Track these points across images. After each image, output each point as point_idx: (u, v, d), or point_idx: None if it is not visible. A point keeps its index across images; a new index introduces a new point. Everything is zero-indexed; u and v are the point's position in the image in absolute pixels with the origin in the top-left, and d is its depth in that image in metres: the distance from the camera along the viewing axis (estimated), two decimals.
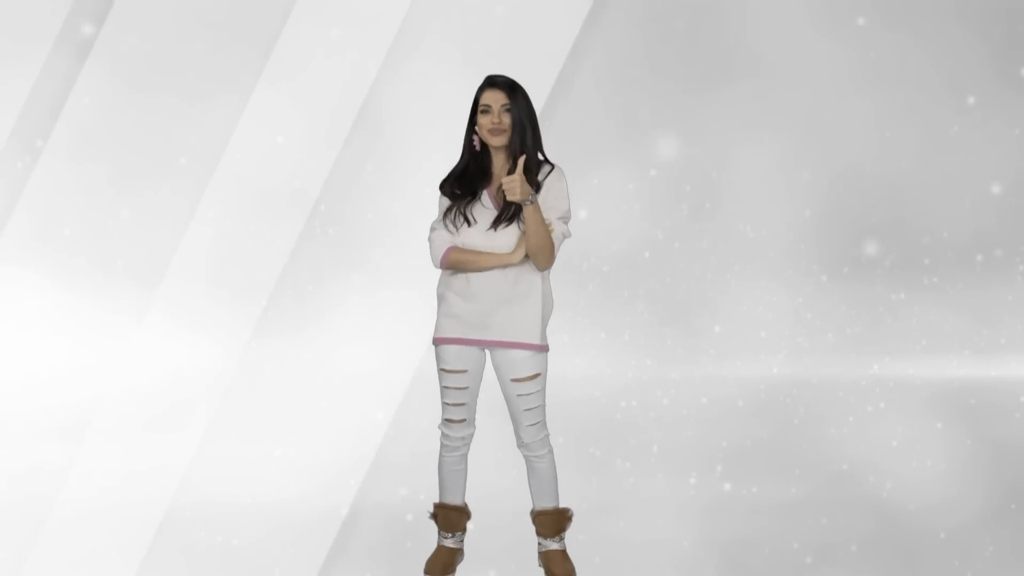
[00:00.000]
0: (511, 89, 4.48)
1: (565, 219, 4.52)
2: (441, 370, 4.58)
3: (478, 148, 4.52)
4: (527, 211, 4.38)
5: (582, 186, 7.88)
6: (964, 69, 8.49)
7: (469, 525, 4.81)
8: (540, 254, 4.44)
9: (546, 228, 4.43)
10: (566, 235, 4.52)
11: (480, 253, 4.48)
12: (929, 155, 8.56)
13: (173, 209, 8.08)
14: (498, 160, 4.54)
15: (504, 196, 4.46)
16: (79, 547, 5.08)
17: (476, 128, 4.50)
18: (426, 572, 4.72)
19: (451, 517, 4.72)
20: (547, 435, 4.63)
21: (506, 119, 4.46)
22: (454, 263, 4.52)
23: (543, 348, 4.54)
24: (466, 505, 4.76)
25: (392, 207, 7.94)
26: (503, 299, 4.50)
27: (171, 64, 8.06)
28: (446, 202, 4.57)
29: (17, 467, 6.10)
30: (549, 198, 4.48)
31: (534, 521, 4.70)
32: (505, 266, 4.48)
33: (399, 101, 8.10)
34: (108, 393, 7.25)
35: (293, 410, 7.15)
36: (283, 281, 8.11)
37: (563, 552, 4.69)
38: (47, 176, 7.99)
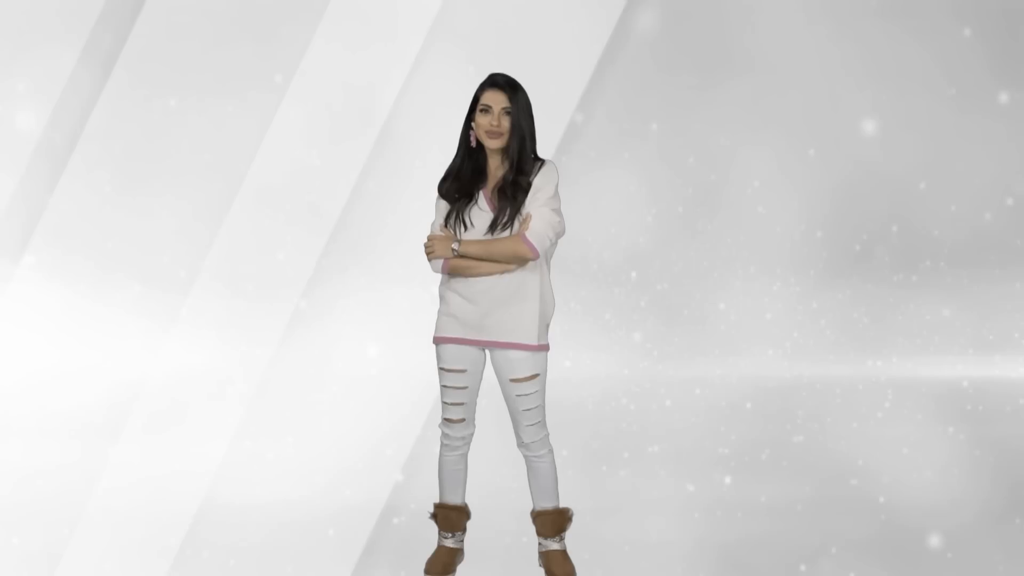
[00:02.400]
0: (513, 91, 4.46)
1: (549, 205, 4.46)
2: (441, 369, 4.59)
3: (474, 145, 4.51)
4: (463, 251, 4.44)
5: (583, 183, 7.87)
6: (966, 66, 8.47)
7: (469, 525, 4.80)
8: (512, 261, 4.45)
9: (492, 243, 4.43)
10: (552, 224, 4.46)
11: (480, 262, 4.48)
12: (933, 152, 8.53)
13: (190, 217, 8.10)
14: (494, 160, 4.52)
15: (499, 198, 4.46)
16: (112, 545, 5.08)
17: (473, 126, 4.49)
18: (426, 572, 4.71)
19: (451, 517, 4.72)
20: (547, 435, 4.62)
21: (505, 122, 4.45)
22: (454, 269, 4.51)
23: (541, 348, 4.53)
24: (466, 505, 4.76)
25: (405, 210, 7.93)
26: (501, 300, 4.49)
27: (189, 72, 8.08)
28: (444, 205, 4.56)
29: (50, 465, 6.12)
30: (539, 195, 4.46)
31: (534, 521, 4.70)
32: (502, 272, 4.48)
33: (406, 104, 8.09)
34: (136, 397, 7.27)
35: (302, 412, 7.15)
36: (294, 285, 8.12)
37: (563, 552, 4.69)
38: (72, 187, 8.03)
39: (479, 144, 4.50)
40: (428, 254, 4.53)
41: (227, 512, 5.47)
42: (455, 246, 4.47)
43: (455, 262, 4.50)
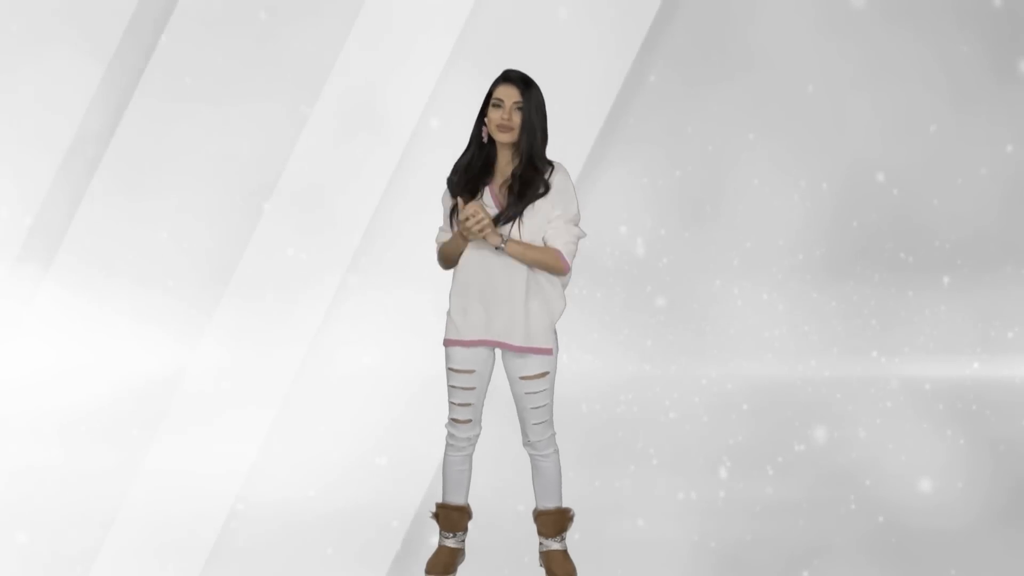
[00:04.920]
0: (526, 86, 4.45)
1: (575, 220, 4.51)
2: (449, 370, 4.58)
3: (486, 140, 4.50)
4: (509, 251, 4.40)
5: (583, 184, 7.88)
6: (967, 66, 8.47)
7: (470, 525, 4.80)
8: (546, 268, 4.47)
9: (535, 250, 4.43)
10: (581, 236, 4.53)
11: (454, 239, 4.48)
12: (933, 153, 8.54)
13: (214, 222, 8.13)
14: (503, 156, 4.51)
15: (507, 194, 4.45)
16: (146, 546, 5.10)
17: (485, 120, 4.48)
18: (427, 572, 4.72)
19: (452, 517, 4.72)
20: (553, 434, 4.63)
21: (516, 118, 4.44)
22: (442, 255, 4.55)
23: (549, 351, 4.52)
24: (468, 506, 4.76)
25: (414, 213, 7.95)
26: (510, 301, 4.47)
27: (214, 80, 8.10)
28: (451, 202, 4.54)
29: (82, 468, 6.14)
30: (559, 203, 4.46)
31: (536, 520, 4.71)
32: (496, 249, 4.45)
33: (407, 102, 8.09)
34: (164, 402, 7.29)
35: (305, 414, 7.15)
36: (300, 285, 8.14)
37: (564, 552, 4.70)
38: (101, 194, 8.06)
39: (490, 139, 4.49)
40: (471, 228, 4.38)
41: (235, 513, 5.49)
42: (502, 245, 4.43)
43: (447, 249, 4.51)
